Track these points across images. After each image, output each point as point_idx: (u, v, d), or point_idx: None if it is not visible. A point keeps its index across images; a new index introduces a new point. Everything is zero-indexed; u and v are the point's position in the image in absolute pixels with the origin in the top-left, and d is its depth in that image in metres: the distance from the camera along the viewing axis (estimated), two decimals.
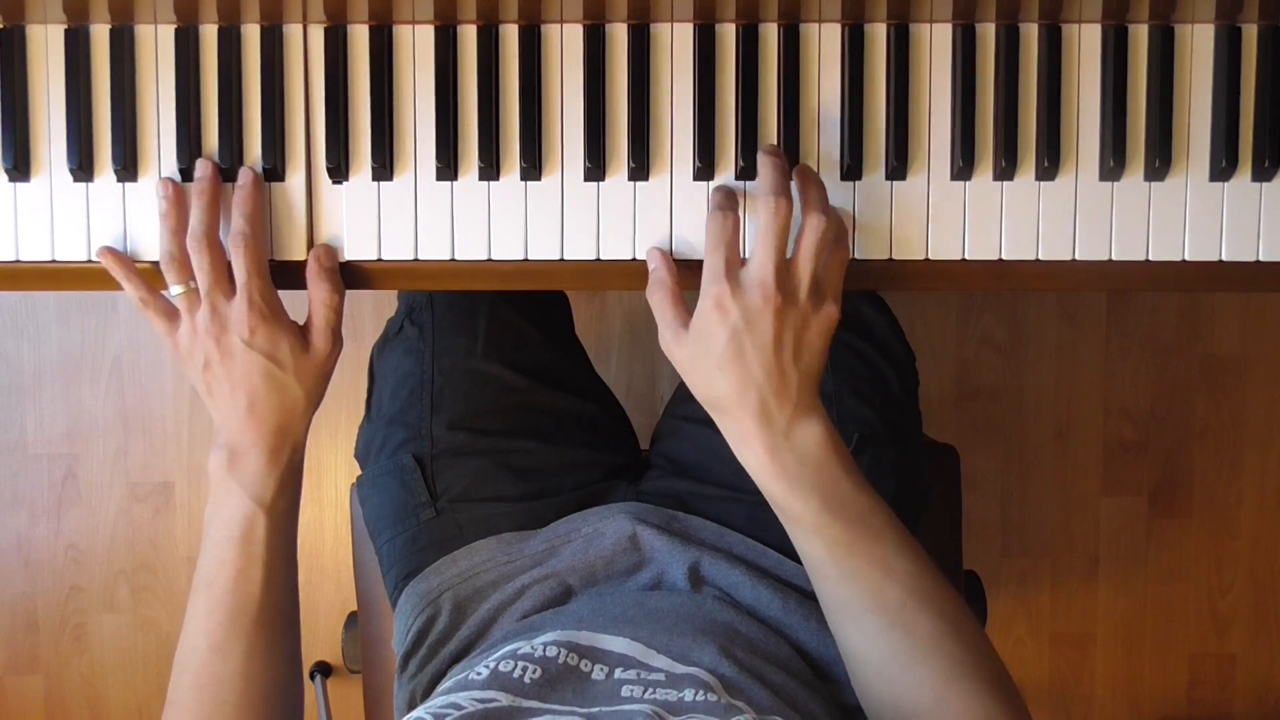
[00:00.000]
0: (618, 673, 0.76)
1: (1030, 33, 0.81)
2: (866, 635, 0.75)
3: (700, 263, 0.78)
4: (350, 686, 1.74)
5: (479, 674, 0.74)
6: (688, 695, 0.72)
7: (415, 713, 0.69)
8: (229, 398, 0.79)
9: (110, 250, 0.81)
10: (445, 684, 0.77)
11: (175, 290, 0.79)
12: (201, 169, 0.80)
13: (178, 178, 0.81)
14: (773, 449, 0.76)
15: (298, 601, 0.84)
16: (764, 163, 0.78)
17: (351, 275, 0.82)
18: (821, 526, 0.75)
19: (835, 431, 0.77)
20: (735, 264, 0.76)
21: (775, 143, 0.81)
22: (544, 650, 0.76)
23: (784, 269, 0.75)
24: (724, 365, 0.75)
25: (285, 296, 0.80)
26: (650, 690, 0.73)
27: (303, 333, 0.81)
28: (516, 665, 0.74)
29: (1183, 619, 1.80)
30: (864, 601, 0.75)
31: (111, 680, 1.79)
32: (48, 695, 1.79)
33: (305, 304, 0.81)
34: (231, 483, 0.79)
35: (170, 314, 0.80)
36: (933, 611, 0.74)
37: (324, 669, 1.75)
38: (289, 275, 0.81)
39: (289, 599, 0.83)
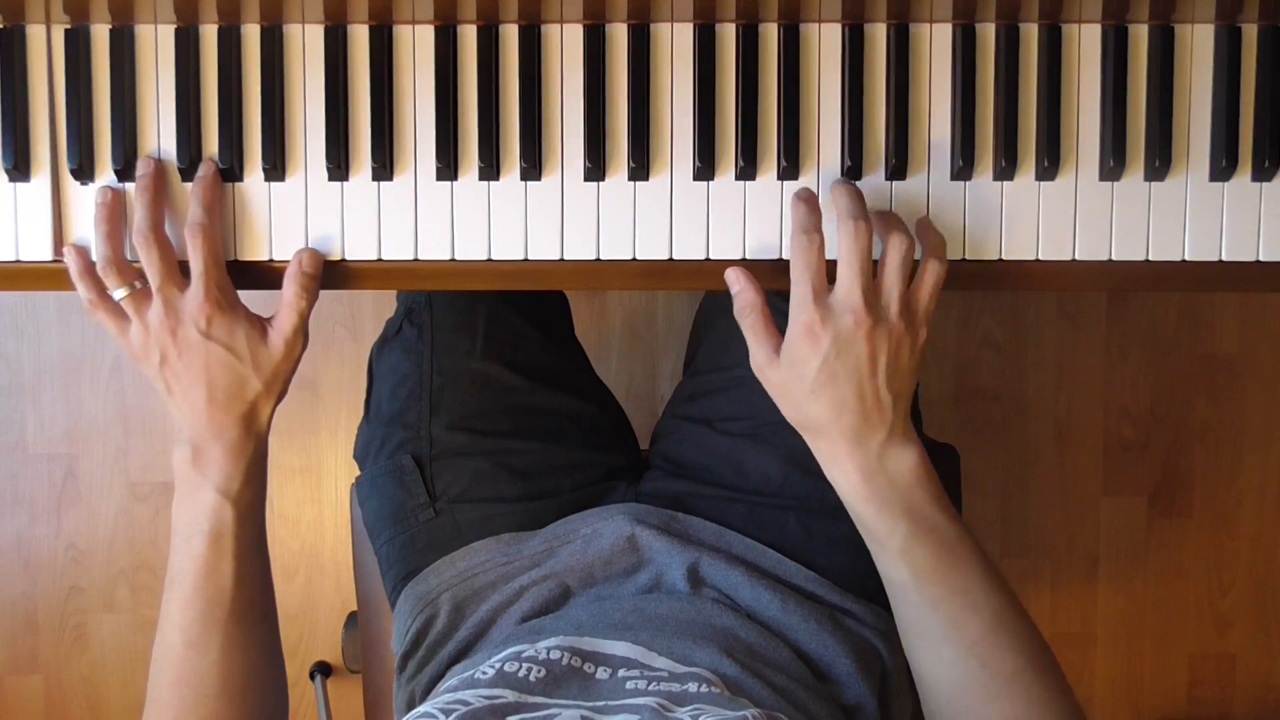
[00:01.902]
0: (621, 672, 0.76)
1: (1030, 33, 0.81)
2: (943, 663, 0.75)
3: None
4: (350, 686, 1.74)
5: (484, 673, 0.74)
6: (692, 687, 0.72)
7: (422, 707, 0.69)
8: (188, 391, 0.79)
9: (73, 248, 0.80)
10: (450, 682, 0.77)
11: (119, 294, 0.78)
12: (143, 166, 0.80)
13: (178, 177, 0.81)
14: (866, 472, 0.76)
15: (272, 590, 0.84)
16: (839, 189, 0.77)
17: (352, 275, 0.82)
18: (908, 551, 0.75)
19: (927, 457, 0.77)
20: (823, 289, 0.75)
21: (776, 143, 0.81)
22: (547, 653, 0.76)
23: (872, 291, 0.74)
24: (817, 390, 0.75)
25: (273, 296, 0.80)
26: (654, 684, 0.73)
27: (262, 326, 0.80)
28: (521, 666, 0.74)
29: (1183, 619, 1.80)
30: (944, 630, 0.75)
31: (111, 680, 1.79)
32: (48, 695, 1.79)
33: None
34: (197, 477, 0.79)
35: (119, 315, 0.79)
36: (1013, 647, 0.74)
37: (324, 669, 1.75)
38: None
39: (262, 589, 0.83)
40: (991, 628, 0.74)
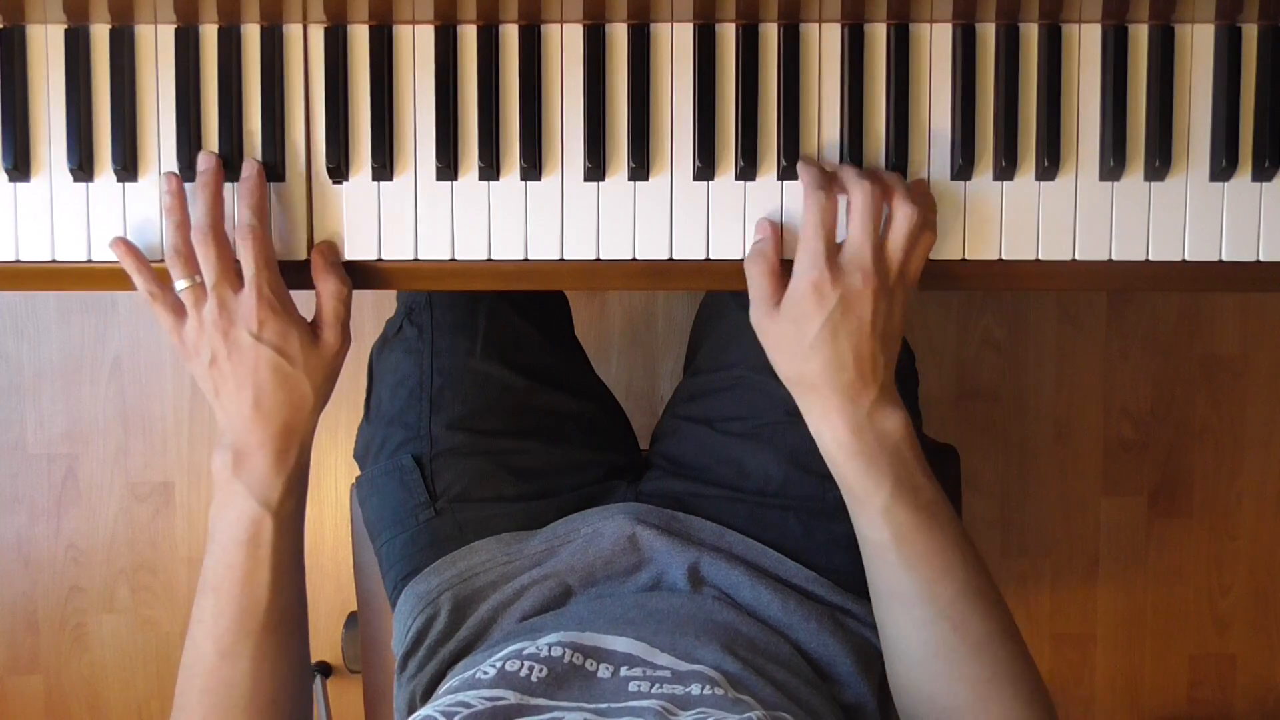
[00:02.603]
0: (623, 670, 0.76)
1: (1030, 33, 0.81)
2: (915, 624, 0.76)
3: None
4: (350, 686, 1.74)
5: (486, 673, 0.74)
6: (695, 689, 0.72)
7: (424, 711, 0.69)
8: (235, 394, 0.78)
9: (123, 241, 0.80)
10: (451, 683, 0.77)
11: (180, 285, 0.78)
12: (204, 162, 0.79)
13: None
14: (856, 428, 0.76)
15: (305, 603, 0.84)
16: (840, 166, 0.79)
17: (352, 275, 0.82)
18: (890, 510, 0.76)
19: (911, 422, 0.78)
20: (835, 248, 0.76)
21: (776, 143, 0.81)
22: (549, 650, 0.76)
23: (880, 252, 0.76)
24: (817, 346, 0.75)
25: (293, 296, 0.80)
26: (657, 685, 0.73)
27: (311, 328, 0.80)
28: (523, 665, 0.74)
29: (1183, 619, 1.80)
30: (918, 591, 0.76)
31: (111, 680, 1.79)
32: (48, 695, 1.79)
33: (312, 303, 0.81)
34: (237, 485, 0.78)
35: (178, 309, 0.79)
36: (984, 611, 0.76)
37: (324, 669, 1.75)
38: (291, 275, 0.81)
39: (297, 601, 0.82)
40: (964, 591, 0.76)
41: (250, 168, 0.80)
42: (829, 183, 0.77)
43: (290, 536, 0.81)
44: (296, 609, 0.82)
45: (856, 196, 0.76)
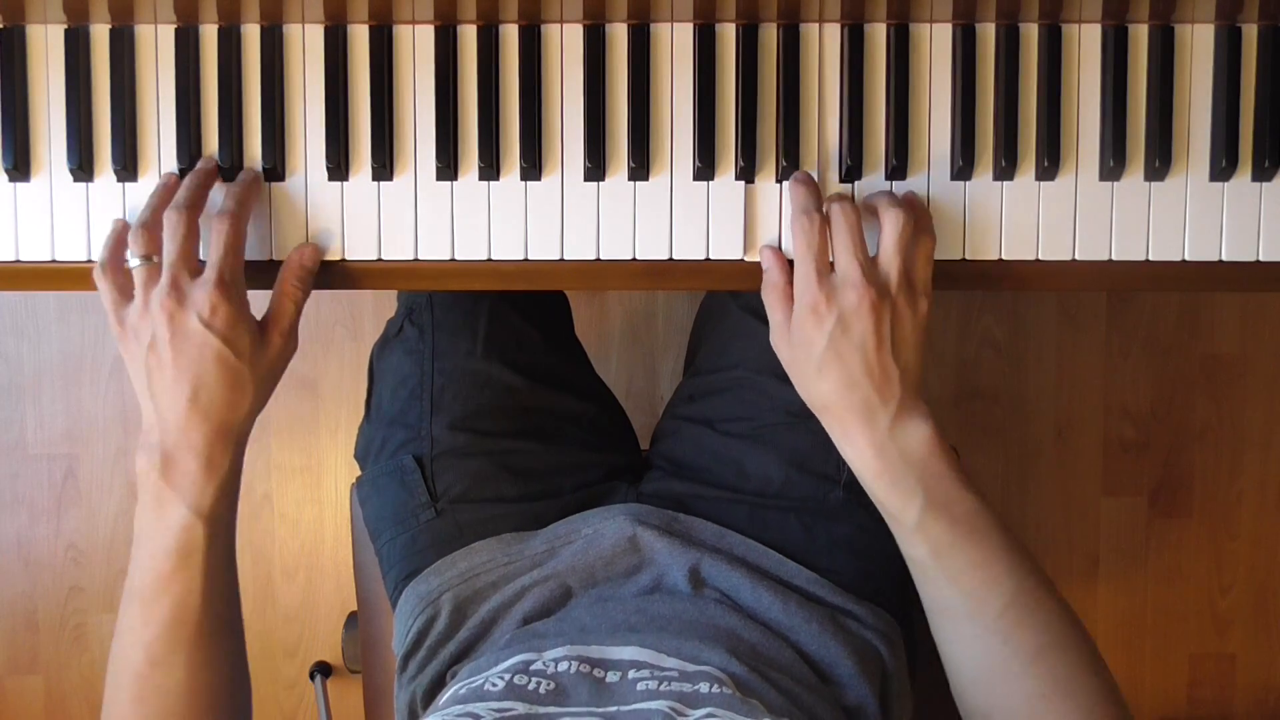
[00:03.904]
0: (631, 673, 0.76)
1: (1030, 33, 0.81)
2: (964, 640, 0.75)
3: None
4: (350, 686, 1.74)
5: (494, 685, 0.73)
6: (703, 687, 0.72)
7: (429, 719, 0.69)
8: (171, 386, 0.74)
9: (122, 222, 0.79)
10: (457, 690, 0.76)
11: (135, 261, 0.75)
12: (204, 163, 0.80)
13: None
14: (877, 447, 0.75)
15: (239, 602, 0.81)
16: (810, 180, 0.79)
17: (352, 275, 0.82)
18: (925, 526, 0.74)
19: (939, 430, 0.76)
20: (826, 269, 0.75)
21: (776, 143, 0.81)
22: (555, 666, 0.76)
23: (870, 266, 0.75)
24: (824, 367, 0.75)
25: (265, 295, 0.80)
26: (665, 683, 0.73)
27: (260, 326, 0.77)
28: (530, 679, 0.74)
29: (1183, 619, 1.80)
30: (964, 606, 0.74)
31: None
32: (48, 695, 1.79)
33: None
34: (166, 490, 0.74)
35: (125, 287, 0.76)
36: (1035, 622, 0.73)
37: (324, 669, 1.75)
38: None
39: (230, 604, 0.79)
40: (1012, 604, 0.73)
41: (249, 173, 0.80)
42: (814, 205, 0.77)
43: (222, 542, 0.77)
44: (230, 614, 0.79)
45: (835, 215, 0.75)
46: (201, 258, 0.77)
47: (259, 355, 0.76)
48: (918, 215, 0.78)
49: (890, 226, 0.75)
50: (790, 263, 0.79)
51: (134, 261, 0.75)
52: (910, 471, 0.75)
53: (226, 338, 0.74)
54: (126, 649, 0.76)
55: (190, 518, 0.74)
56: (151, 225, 0.76)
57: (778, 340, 0.78)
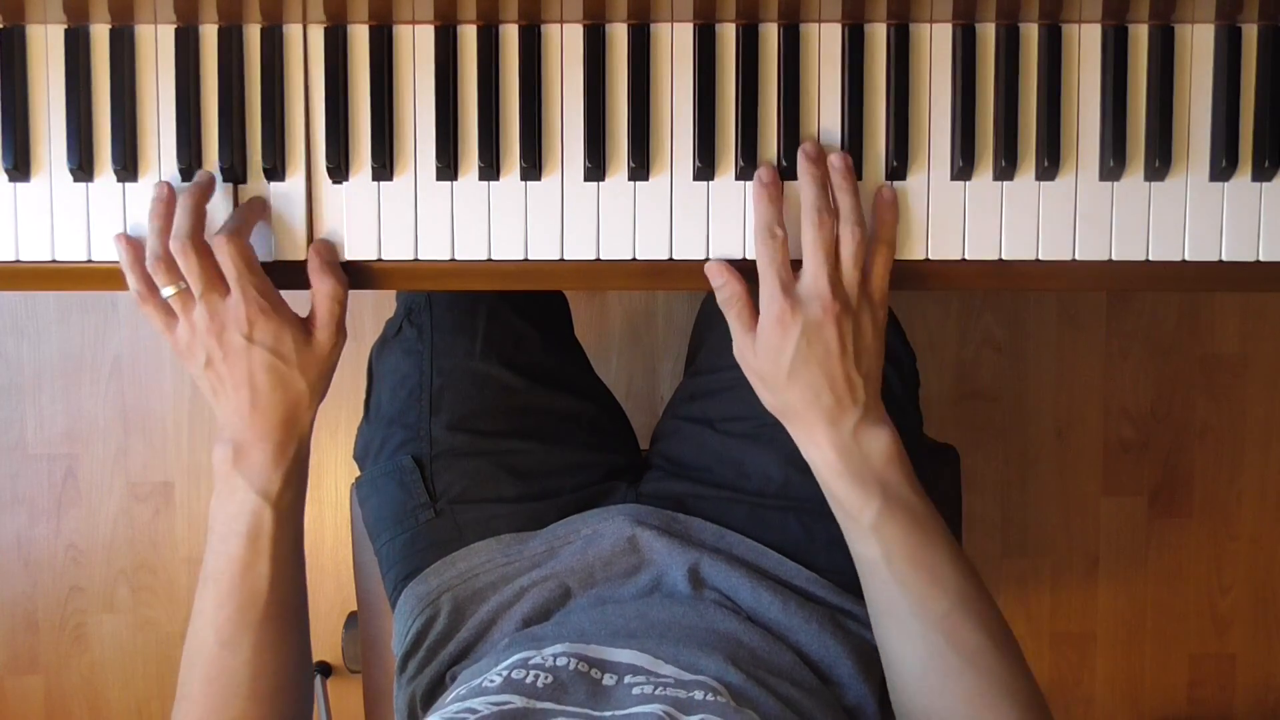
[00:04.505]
0: (627, 678, 0.76)
1: (1030, 33, 0.81)
2: (910, 639, 0.77)
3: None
4: (350, 686, 1.74)
5: (492, 681, 0.74)
6: (698, 695, 0.72)
7: (430, 718, 0.69)
8: (232, 395, 0.79)
9: (126, 237, 0.80)
10: (458, 689, 0.77)
11: (167, 292, 0.78)
12: (199, 175, 0.80)
13: (178, 179, 0.81)
14: (841, 448, 0.78)
15: (305, 594, 0.85)
16: (803, 174, 0.79)
17: (351, 275, 0.82)
18: (880, 527, 0.77)
19: (899, 438, 0.79)
20: (790, 281, 0.78)
21: (776, 143, 0.81)
22: (554, 660, 0.77)
23: (837, 279, 0.77)
24: (792, 376, 0.77)
25: (288, 296, 0.80)
26: (660, 689, 0.73)
27: (305, 326, 0.80)
28: (529, 673, 0.74)
29: (1183, 619, 1.80)
30: (911, 606, 0.77)
31: (111, 680, 1.79)
32: (48, 695, 1.79)
33: (308, 302, 0.81)
34: (237, 478, 0.79)
35: (168, 311, 0.80)
36: (977, 624, 0.76)
37: (324, 669, 1.75)
38: (290, 275, 0.81)
39: (297, 592, 0.83)
40: (957, 604, 0.76)
41: (258, 200, 0.81)
42: (776, 220, 0.79)
43: (290, 528, 0.81)
44: (296, 600, 0.83)
45: (806, 226, 0.77)
46: None
47: (306, 355, 0.80)
48: (881, 224, 0.80)
49: (848, 240, 0.77)
50: (740, 273, 0.80)
51: (166, 292, 0.78)
52: (870, 473, 0.78)
53: (271, 348, 0.78)
54: (199, 630, 0.80)
55: (259, 502, 0.79)
56: (165, 255, 0.78)
57: (743, 350, 0.80)
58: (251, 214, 0.80)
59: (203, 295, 0.77)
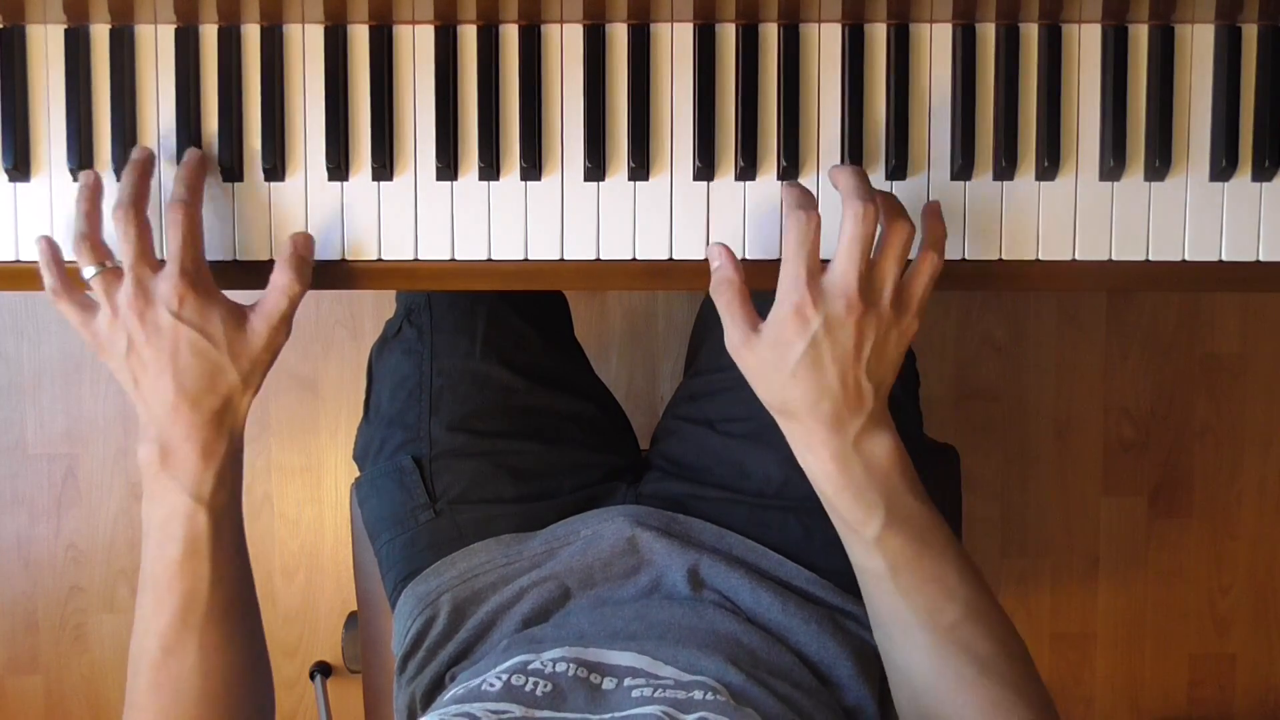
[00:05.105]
0: (627, 681, 0.76)
1: (1030, 33, 0.81)
2: (918, 650, 0.74)
3: (755, 261, 0.77)
4: (350, 686, 1.74)
5: (491, 686, 0.73)
6: (697, 695, 0.72)
7: (428, 718, 0.69)
8: (155, 382, 0.74)
9: (45, 238, 0.78)
10: (456, 690, 0.77)
11: (89, 272, 0.74)
12: (137, 152, 0.78)
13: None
14: (841, 458, 0.74)
15: (252, 585, 0.81)
16: (844, 170, 0.75)
17: (351, 275, 0.82)
18: (883, 539, 0.74)
19: (902, 444, 0.75)
20: (817, 269, 0.72)
21: (776, 143, 0.81)
22: (553, 666, 0.76)
23: (867, 277, 0.72)
24: (799, 374, 0.72)
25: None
26: (660, 690, 0.73)
27: (241, 311, 0.76)
28: (528, 680, 0.74)
29: (1183, 619, 1.80)
30: (918, 617, 0.74)
31: (111, 680, 1.79)
32: (48, 695, 1.79)
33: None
34: (166, 480, 0.75)
35: (86, 304, 0.76)
36: (986, 632, 0.73)
37: (324, 669, 1.76)
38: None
39: (241, 586, 0.79)
40: (965, 615, 0.73)
41: (192, 154, 0.78)
42: (810, 203, 0.74)
43: (227, 526, 0.77)
44: (241, 596, 0.79)
45: (848, 215, 0.71)
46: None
47: (240, 342, 0.75)
48: (934, 234, 0.75)
49: (894, 236, 0.73)
50: (741, 261, 0.77)
51: (88, 272, 0.75)
52: (873, 485, 0.74)
53: (198, 325, 0.73)
54: (141, 637, 0.77)
55: (192, 505, 0.75)
56: (92, 233, 0.75)
57: (737, 343, 0.75)
58: (197, 177, 0.77)
59: (133, 266, 0.73)
